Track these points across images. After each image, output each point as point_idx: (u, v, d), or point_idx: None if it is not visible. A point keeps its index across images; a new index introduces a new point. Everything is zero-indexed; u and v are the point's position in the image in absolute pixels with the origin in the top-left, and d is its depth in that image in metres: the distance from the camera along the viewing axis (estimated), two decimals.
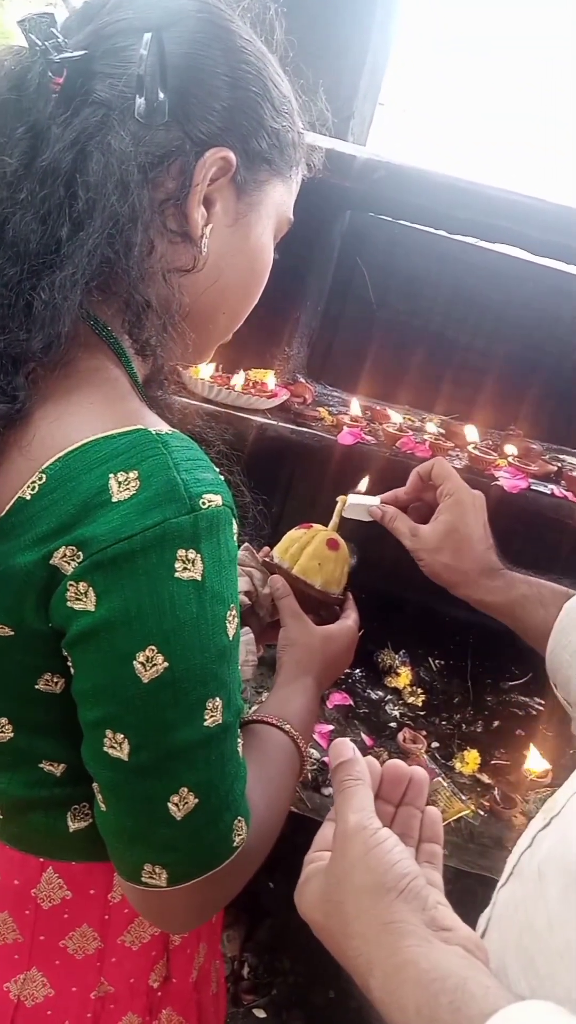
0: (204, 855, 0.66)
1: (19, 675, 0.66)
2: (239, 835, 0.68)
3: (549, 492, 1.49)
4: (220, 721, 0.64)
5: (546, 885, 0.57)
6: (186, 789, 0.63)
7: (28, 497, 0.60)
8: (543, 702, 1.81)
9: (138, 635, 0.59)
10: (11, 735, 0.69)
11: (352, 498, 1.03)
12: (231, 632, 0.64)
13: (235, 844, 0.68)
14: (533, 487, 1.50)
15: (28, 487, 0.61)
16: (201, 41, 0.68)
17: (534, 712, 1.79)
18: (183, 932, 0.82)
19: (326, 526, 1.02)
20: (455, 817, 1.42)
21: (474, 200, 1.45)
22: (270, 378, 1.66)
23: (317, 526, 1.01)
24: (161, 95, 0.64)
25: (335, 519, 1.02)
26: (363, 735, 1.61)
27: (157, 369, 0.75)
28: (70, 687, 0.65)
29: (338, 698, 1.69)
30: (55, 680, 0.65)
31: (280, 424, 1.56)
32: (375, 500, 1.03)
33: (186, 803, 0.63)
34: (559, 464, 1.62)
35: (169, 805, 0.63)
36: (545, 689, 1.83)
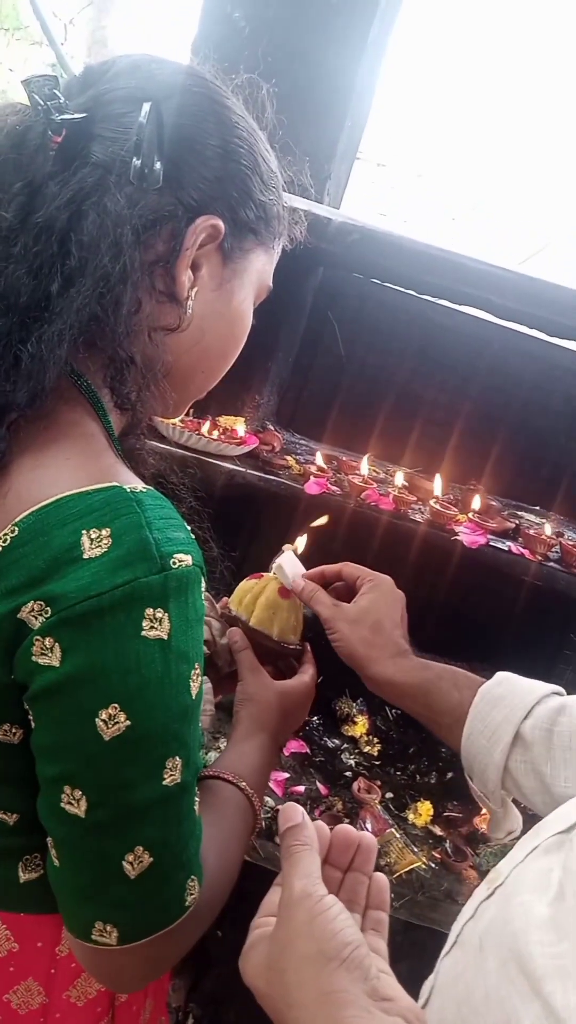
0: (156, 914, 0.66)
1: None
2: (191, 895, 0.68)
3: (507, 548, 1.54)
4: (179, 780, 0.64)
5: (485, 957, 0.58)
6: (141, 848, 0.63)
7: None
8: None
9: (102, 692, 0.59)
10: None
11: (285, 561, 1.03)
12: (194, 691, 0.65)
13: (187, 904, 0.67)
14: (492, 543, 1.54)
15: (0, 539, 0.61)
16: (196, 114, 0.71)
17: None
18: (130, 991, 0.81)
19: None
20: (406, 869, 1.43)
21: (443, 267, 1.51)
22: (240, 425, 1.69)
23: (268, 575, 1.02)
24: (157, 162, 0.67)
25: None
26: (318, 783, 1.62)
27: (135, 423, 0.76)
28: (28, 738, 0.64)
29: (295, 745, 1.70)
30: (13, 731, 0.65)
31: (248, 471, 1.58)
32: (300, 570, 1.04)
33: (140, 862, 0.63)
34: (517, 521, 1.67)
35: (123, 863, 0.63)
36: None
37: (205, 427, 1.63)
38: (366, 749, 1.76)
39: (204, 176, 0.71)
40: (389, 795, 1.64)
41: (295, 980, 0.53)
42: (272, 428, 1.87)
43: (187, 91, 0.71)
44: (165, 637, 0.61)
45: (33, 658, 0.59)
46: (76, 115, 0.67)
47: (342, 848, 0.67)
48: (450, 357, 1.99)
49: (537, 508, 1.94)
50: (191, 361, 0.77)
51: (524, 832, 0.69)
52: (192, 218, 0.71)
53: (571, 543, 1.59)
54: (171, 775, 0.63)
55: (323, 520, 1.10)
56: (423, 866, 1.45)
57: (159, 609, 0.60)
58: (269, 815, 1.45)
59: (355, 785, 1.61)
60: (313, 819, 0.63)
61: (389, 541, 1.58)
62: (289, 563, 1.02)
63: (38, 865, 0.72)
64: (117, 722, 0.59)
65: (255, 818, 0.83)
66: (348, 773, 1.68)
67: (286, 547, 1.05)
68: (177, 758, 0.64)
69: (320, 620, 1.01)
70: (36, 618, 0.59)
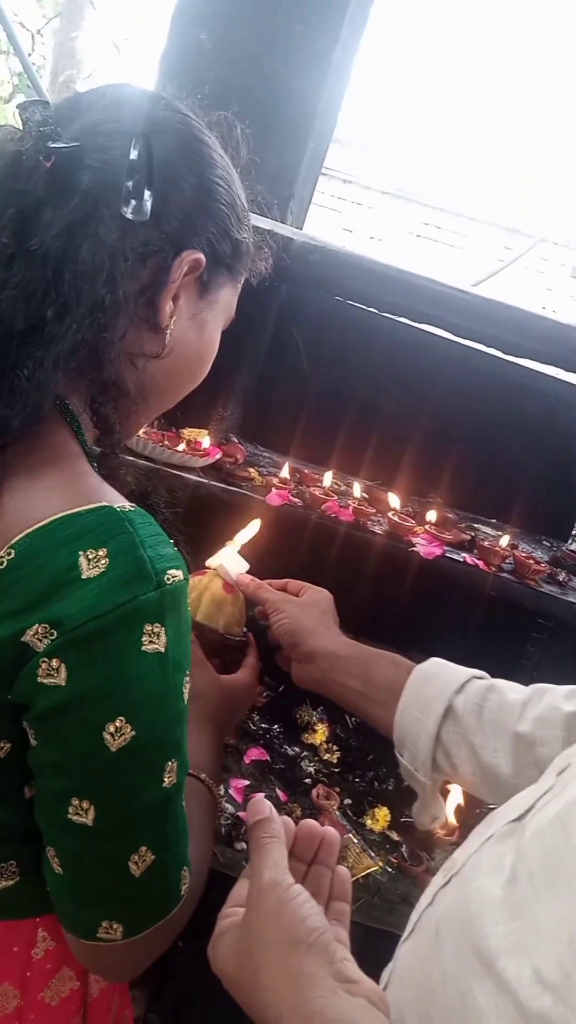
0: (157, 908, 0.70)
1: None
2: (184, 884, 0.72)
3: (462, 560, 1.58)
4: (175, 781, 0.68)
5: (442, 941, 0.61)
6: (144, 847, 0.66)
7: None
8: None
9: (108, 707, 0.62)
10: None
11: (225, 558, 1.08)
12: (186, 697, 0.69)
13: (182, 893, 0.72)
14: (448, 554, 1.58)
15: None
16: (182, 152, 0.74)
17: None
18: (125, 980, 0.84)
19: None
20: (363, 873, 1.46)
21: (401, 286, 1.55)
22: (205, 438, 1.71)
23: (210, 571, 1.06)
24: (148, 196, 0.70)
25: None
26: (278, 790, 1.64)
27: (115, 443, 0.79)
28: (15, 753, 0.67)
29: (255, 753, 1.72)
30: (3, 746, 0.67)
31: (212, 483, 1.61)
32: (243, 566, 1.09)
33: (144, 861, 0.67)
34: (473, 533, 1.71)
35: (130, 864, 0.66)
36: None
37: (183, 447, 1.65)
38: (326, 757, 1.79)
39: (188, 212, 0.75)
40: (348, 801, 1.67)
41: (265, 964, 0.56)
42: (236, 441, 1.90)
43: (173, 129, 0.75)
44: (163, 650, 0.64)
45: (39, 679, 0.61)
46: (69, 144, 0.69)
47: (307, 842, 0.70)
48: (410, 373, 2.04)
49: (493, 521, 1.99)
50: (163, 385, 0.81)
51: (478, 823, 0.73)
52: (177, 252, 0.74)
53: (524, 555, 1.64)
54: (170, 777, 0.67)
55: (255, 526, 1.15)
56: (379, 870, 1.48)
57: (157, 624, 0.64)
58: (229, 822, 1.47)
59: (314, 792, 1.63)
60: None
61: (349, 551, 1.62)
62: (230, 560, 1.06)
63: (13, 873, 0.74)
64: (123, 734, 0.62)
65: (216, 807, 0.89)
66: (308, 780, 1.71)
67: (229, 544, 1.10)
68: (174, 760, 0.68)
69: (264, 607, 1.06)
70: (41, 641, 0.61)
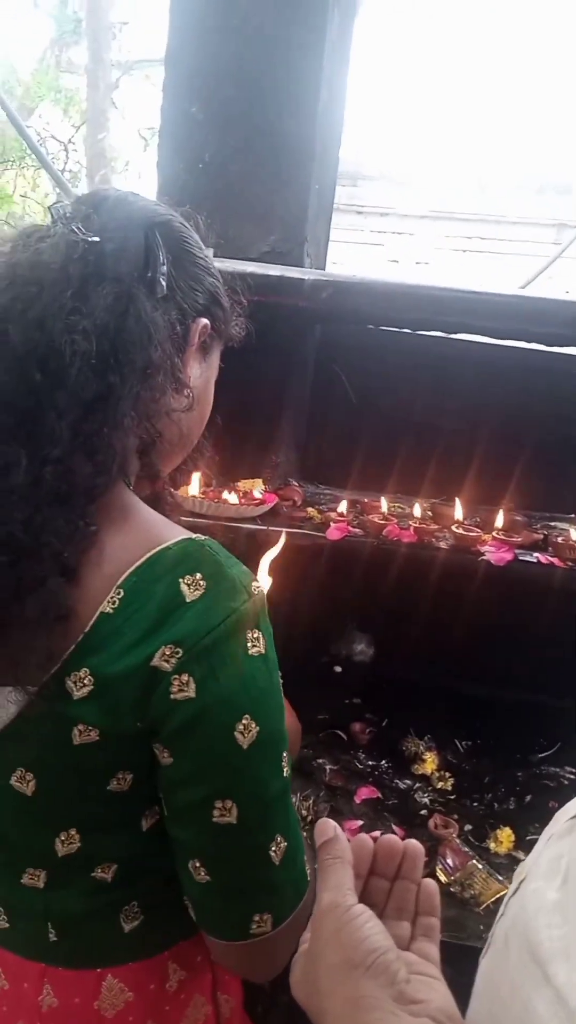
0: (296, 891, 0.77)
1: (95, 778, 0.74)
2: (308, 868, 0.77)
3: (535, 560, 1.53)
4: (288, 771, 0.75)
5: (509, 951, 0.58)
6: (278, 835, 0.74)
7: (110, 611, 0.70)
8: (575, 771, 1.79)
9: (235, 709, 0.70)
10: (78, 844, 0.76)
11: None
12: (282, 694, 0.77)
13: (309, 877, 0.77)
14: (521, 558, 1.53)
15: (108, 602, 0.70)
16: (179, 239, 0.87)
17: (566, 782, 1.76)
18: (272, 976, 0.84)
19: None
20: (493, 899, 1.40)
21: (419, 300, 1.56)
22: (257, 488, 1.74)
23: None
24: (163, 276, 0.81)
25: None
26: (393, 826, 1.60)
27: (159, 492, 0.88)
28: (136, 784, 0.74)
29: (365, 792, 1.69)
30: (125, 777, 0.74)
31: (270, 528, 1.63)
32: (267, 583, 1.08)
33: (280, 848, 0.74)
34: (545, 532, 1.66)
35: (270, 853, 0.73)
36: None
37: (226, 495, 1.68)
38: (439, 785, 1.74)
39: (193, 287, 0.86)
40: (468, 827, 1.61)
41: (325, 989, 0.55)
42: (294, 483, 1.92)
43: (168, 222, 0.86)
44: (263, 652, 0.73)
45: (172, 697, 0.69)
46: (94, 238, 0.79)
47: (387, 857, 0.68)
48: (462, 386, 2.02)
49: (572, 516, 1.93)
50: (185, 435, 0.90)
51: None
52: (195, 320, 0.86)
53: None
54: (286, 766, 0.75)
55: (278, 547, 1.14)
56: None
57: (255, 630, 0.72)
58: None
59: (431, 822, 1.59)
60: None
61: (415, 572, 1.59)
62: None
63: (137, 913, 0.80)
64: (251, 731, 0.71)
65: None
66: (423, 811, 1.66)
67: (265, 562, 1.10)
68: (285, 751, 0.75)
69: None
70: (168, 661, 0.69)
